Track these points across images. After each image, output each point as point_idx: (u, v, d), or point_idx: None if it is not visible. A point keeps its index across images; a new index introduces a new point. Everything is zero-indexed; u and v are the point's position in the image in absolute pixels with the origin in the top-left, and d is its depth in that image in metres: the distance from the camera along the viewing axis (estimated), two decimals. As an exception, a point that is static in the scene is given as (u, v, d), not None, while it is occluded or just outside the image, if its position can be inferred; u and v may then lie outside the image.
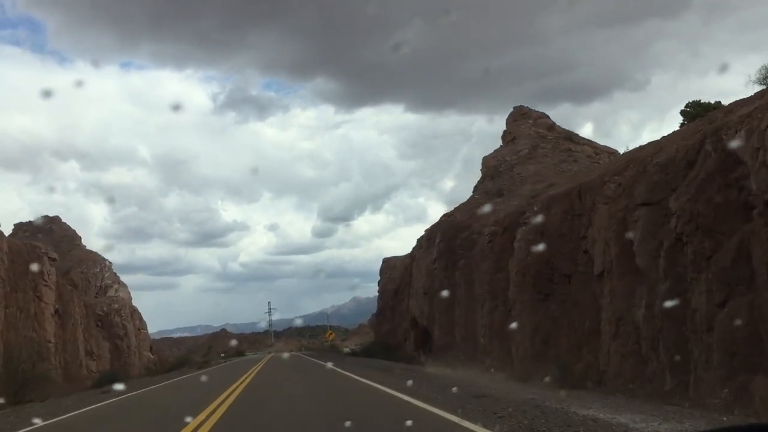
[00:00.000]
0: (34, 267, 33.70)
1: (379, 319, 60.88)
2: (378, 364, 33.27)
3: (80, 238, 58.37)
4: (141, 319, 55.54)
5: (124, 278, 56.49)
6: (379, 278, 64.29)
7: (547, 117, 47.48)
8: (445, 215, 42.78)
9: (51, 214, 59.63)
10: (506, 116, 49.60)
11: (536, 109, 48.09)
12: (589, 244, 19.72)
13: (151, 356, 54.89)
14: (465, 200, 44.02)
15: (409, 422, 9.38)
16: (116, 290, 53.40)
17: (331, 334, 60.18)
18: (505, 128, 48.73)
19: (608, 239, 18.15)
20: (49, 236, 58.78)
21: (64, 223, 59.04)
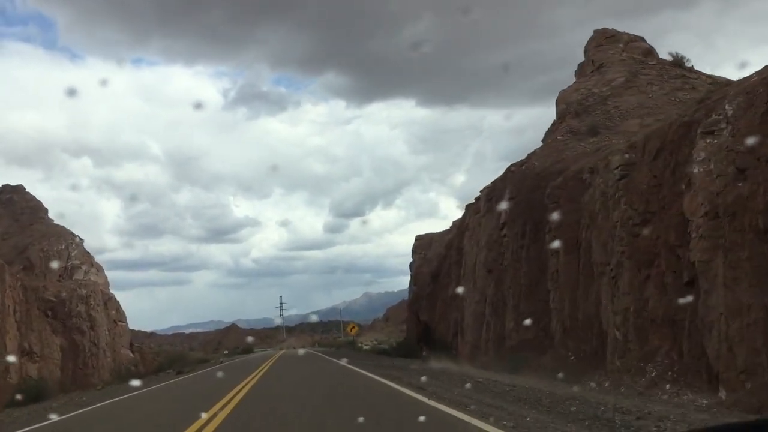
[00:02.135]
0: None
1: (413, 309, 49.58)
2: (456, 373, 21.63)
3: (46, 210, 47.85)
4: (119, 309, 44.77)
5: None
6: (411, 259, 52.93)
7: (642, 40, 35.96)
8: (514, 165, 31.39)
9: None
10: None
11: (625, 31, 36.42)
12: None
13: (131, 355, 44.06)
14: (538, 147, 32.61)
15: None
16: (86, 273, 42.66)
17: (353, 327, 49.03)
18: (584, 57, 37.26)
19: None
20: (8, 207, 48.05)
21: (28, 193, 48.58)
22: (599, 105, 31.61)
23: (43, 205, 48.00)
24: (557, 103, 34.80)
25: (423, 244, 51.58)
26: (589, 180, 21.79)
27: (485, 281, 31.24)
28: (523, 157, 31.44)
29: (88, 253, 45.99)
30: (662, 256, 16.18)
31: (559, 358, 21.18)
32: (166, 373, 29.59)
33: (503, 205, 29.58)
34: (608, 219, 19.17)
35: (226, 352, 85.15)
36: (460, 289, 35.03)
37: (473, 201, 36.94)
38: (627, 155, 19.16)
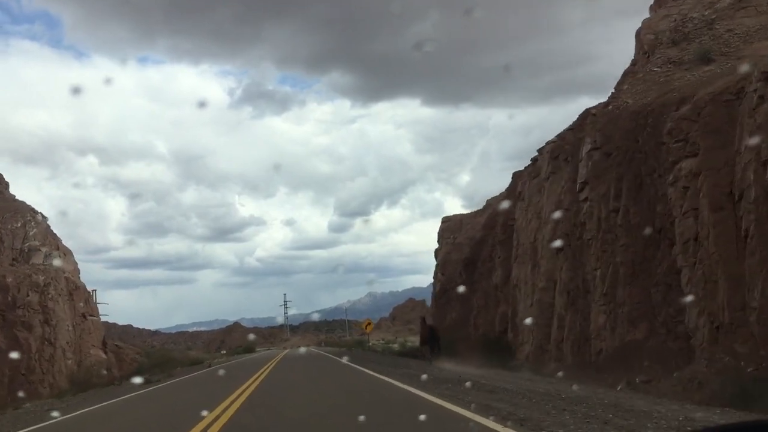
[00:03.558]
0: None
1: (438, 303, 41.89)
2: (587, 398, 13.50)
3: (8, 184, 40.37)
4: (90, 301, 37.37)
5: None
6: (437, 245, 45.23)
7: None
8: (593, 108, 23.71)
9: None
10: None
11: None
12: None
13: (103, 356, 36.54)
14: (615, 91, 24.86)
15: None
16: (47, 256, 35.15)
17: (368, 324, 41.37)
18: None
19: None
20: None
21: (-14, 164, 41.45)
22: (704, 30, 23.93)
23: (3, 179, 40.59)
24: (639, 35, 27.10)
25: (451, 227, 43.91)
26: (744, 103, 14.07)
27: (553, 262, 23.57)
28: (607, 98, 23.72)
29: (54, 234, 38.53)
30: None
31: (720, 371, 13.43)
32: (131, 383, 22.00)
33: (583, 159, 21.90)
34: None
35: (224, 352, 77.59)
36: (513, 275, 27.39)
37: (527, 166, 29.32)
38: None
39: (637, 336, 17.52)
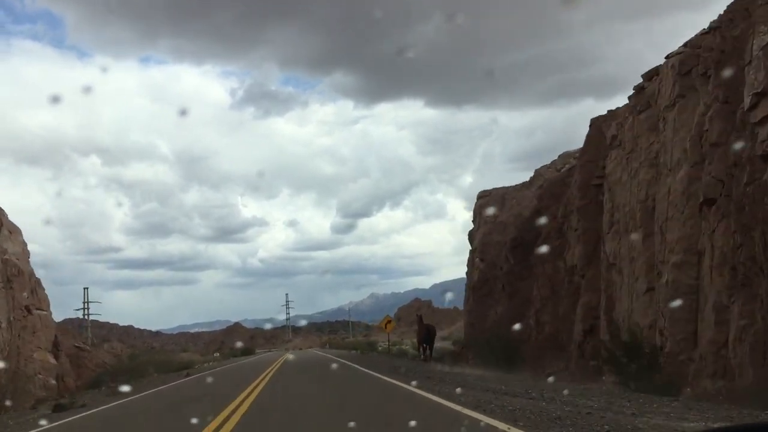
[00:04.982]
0: None
1: (476, 296, 33.74)
2: None
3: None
4: (37, 290, 29.33)
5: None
6: (472, 226, 37.06)
7: None
8: None
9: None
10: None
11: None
12: None
13: (52, 361, 28.45)
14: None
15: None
16: (-20, 232, 27.12)
17: (388, 322, 33.25)
18: None
19: None
20: None
21: None
22: None
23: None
24: None
25: (491, 203, 35.75)
26: None
27: (696, 224, 15.44)
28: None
29: (2, 211, 30.51)
30: None
31: None
32: (27, 415, 13.89)
33: (756, 60, 13.78)
34: None
35: (217, 354, 69.39)
36: (609, 247, 19.22)
37: (616, 107, 21.27)
38: None
39: None
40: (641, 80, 19.72)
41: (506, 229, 32.30)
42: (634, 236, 18.17)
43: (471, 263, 35.28)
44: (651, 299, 17.26)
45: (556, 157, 34.35)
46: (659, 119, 17.96)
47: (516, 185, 35.92)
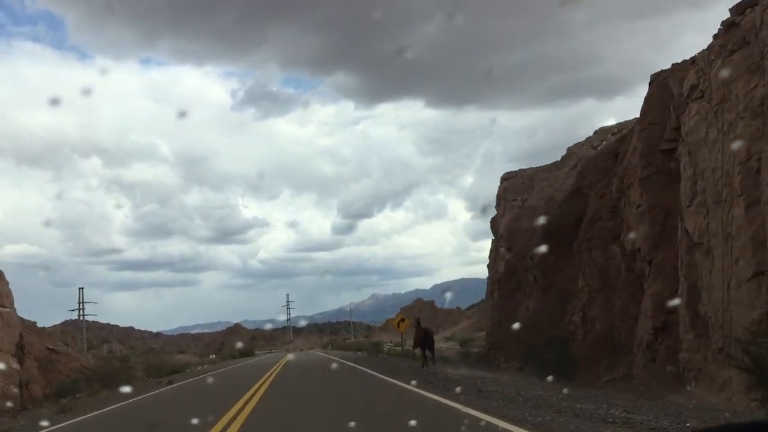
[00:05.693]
0: None
1: (503, 291, 29.74)
2: None
3: None
4: None
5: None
6: (494, 212, 33.05)
7: None
8: None
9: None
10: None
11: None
12: None
13: (15, 365, 24.49)
14: None
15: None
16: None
17: (401, 320, 29.21)
18: None
19: None
20: None
21: None
22: None
23: None
24: None
25: (517, 185, 31.76)
26: None
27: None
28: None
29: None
30: None
31: None
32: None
33: None
34: None
35: (213, 356, 65.42)
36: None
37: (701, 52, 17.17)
38: None
39: None
40: (729, 15, 15.77)
41: (536, 214, 28.38)
42: (731, 209, 14.20)
43: (495, 254, 31.34)
44: (759, 286, 13.29)
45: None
46: (763, 56, 14.00)
47: (545, 165, 32.00)
